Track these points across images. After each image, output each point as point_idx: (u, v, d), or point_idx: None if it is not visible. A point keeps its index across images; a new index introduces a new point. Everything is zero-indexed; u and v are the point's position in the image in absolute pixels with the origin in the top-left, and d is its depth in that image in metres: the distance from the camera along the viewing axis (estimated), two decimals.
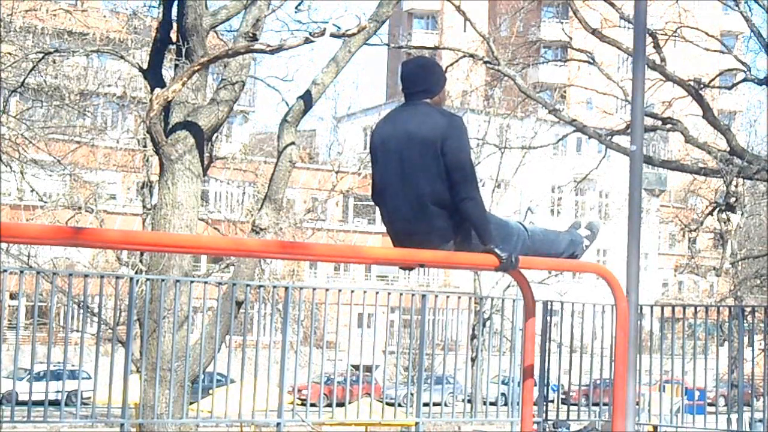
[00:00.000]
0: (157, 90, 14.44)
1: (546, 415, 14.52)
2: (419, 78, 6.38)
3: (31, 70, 22.00)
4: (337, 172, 37.92)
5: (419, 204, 6.18)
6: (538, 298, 8.13)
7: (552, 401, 15.51)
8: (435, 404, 16.72)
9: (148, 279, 13.74)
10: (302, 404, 17.12)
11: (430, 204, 6.16)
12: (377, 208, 6.49)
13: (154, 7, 23.04)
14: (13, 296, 28.94)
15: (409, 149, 6.21)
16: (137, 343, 17.77)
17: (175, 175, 14.87)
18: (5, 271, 12.68)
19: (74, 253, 36.35)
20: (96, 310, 23.96)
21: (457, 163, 6.13)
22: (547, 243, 6.63)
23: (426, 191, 6.16)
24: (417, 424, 14.08)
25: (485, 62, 25.34)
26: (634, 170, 8.00)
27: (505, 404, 16.03)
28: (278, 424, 13.22)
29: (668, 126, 24.69)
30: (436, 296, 14.95)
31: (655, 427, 15.78)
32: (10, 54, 23.98)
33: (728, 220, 42.29)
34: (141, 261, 28.07)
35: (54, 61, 26.96)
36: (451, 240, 6.22)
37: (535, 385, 12.34)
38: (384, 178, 6.33)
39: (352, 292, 14.29)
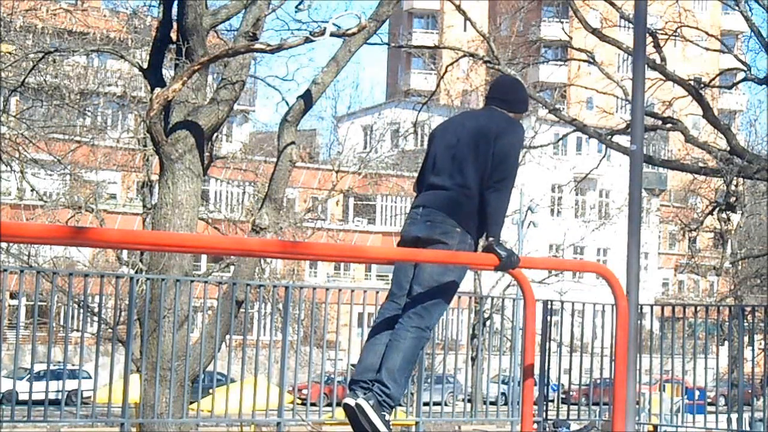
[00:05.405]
0: (157, 89, 14.44)
1: (546, 415, 14.50)
2: (506, 89, 6.85)
3: (31, 70, 21.99)
4: (337, 172, 37.85)
5: (461, 183, 6.49)
6: (538, 297, 8.12)
7: (552, 401, 15.49)
8: (435, 404, 16.69)
9: (148, 278, 13.72)
10: (302, 404, 17.11)
11: (471, 186, 6.48)
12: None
13: (154, 6, 23.04)
14: (13, 296, 28.90)
15: (467, 135, 6.60)
16: (137, 343, 17.75)
17: (175, 175, 14.87)
18: (5, 270, 12.67)
19: (74, 252, 36.36)
20: (96, 310, 23.94)
21: (504, 157, 6.54)
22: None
23: (470, 173, 6.50)
24: (417, 423, 14.06)
25: (485, 62, 25.32)
26: (634, 170, 8.00)
27: (505, 404, 16.01)
28: (278, 424, 13.20)
29: (668, 125, 24.67)
30: None
31: (655, 427, 15.76)
32: (10, 54, 23.96)
33: (728, 219, 42.27)
34: (141, 260, 28.04)
35: (54, 61, 26.93)
36: (459, 229, 6.41)
37: (535, 385, 12.33)
38: (436, 155, 6.65)
39: (352, 291, 14.26)
